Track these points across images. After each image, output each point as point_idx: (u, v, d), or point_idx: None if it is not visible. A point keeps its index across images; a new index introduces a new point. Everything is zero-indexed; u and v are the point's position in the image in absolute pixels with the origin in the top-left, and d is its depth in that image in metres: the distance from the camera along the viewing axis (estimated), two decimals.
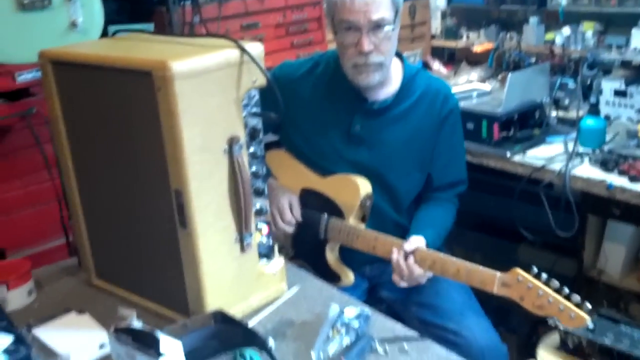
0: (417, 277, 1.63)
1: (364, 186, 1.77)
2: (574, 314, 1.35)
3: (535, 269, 1.44)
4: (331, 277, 1.79)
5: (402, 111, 1.82)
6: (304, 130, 1.86)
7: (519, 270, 1.44)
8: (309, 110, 1.85)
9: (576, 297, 1.37)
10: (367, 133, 1.82)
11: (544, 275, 1.42)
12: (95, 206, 1.50)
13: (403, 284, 1.65)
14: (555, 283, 1.40)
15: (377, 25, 1.68)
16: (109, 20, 2.10)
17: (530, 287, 1.41)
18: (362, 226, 1.77)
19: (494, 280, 1.48)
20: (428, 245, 1.67)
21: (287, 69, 1.91)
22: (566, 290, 1.39)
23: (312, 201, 1.83)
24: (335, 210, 1.79)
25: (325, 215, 1.80)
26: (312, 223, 1.82)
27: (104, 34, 2.09)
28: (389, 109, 1.82)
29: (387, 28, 1.69)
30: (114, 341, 1.11)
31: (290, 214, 1.81)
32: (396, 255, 1.64)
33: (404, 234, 1.77)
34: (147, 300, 1.44)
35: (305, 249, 1.85)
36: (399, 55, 1.85)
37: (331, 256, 1.82)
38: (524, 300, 1.43)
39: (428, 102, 1.84)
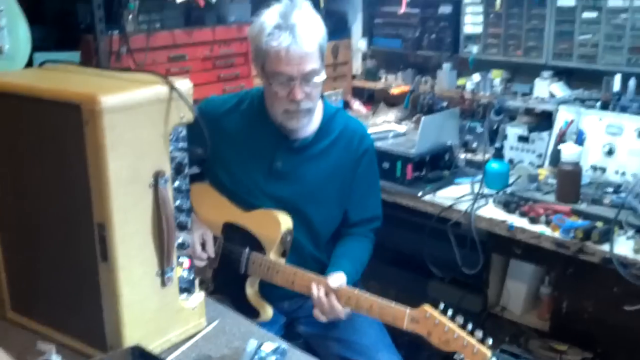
0: (337, 313, 1.70)
1: (285, 221, 1.82)
2: (477, 349, 1.44)
3: (442, 305, 1.52)
4: (250, 311, 1.82)
5: (322, 149, 1.91)
6: (227, 164, 1.91)
7: (427, 307, 1.53)
8: (232, 145, 1.90)
9: (479, 334, 1.46)
10: (288, 169, 1.89)
11: (450, 311, 1.51)
12: (15, 235, 1.47)
13: (323, 319, 1.72)
14: (460, 319, 1.49)
15: (308, 77, 1.76)
16: (35, 47, 2.07)
17: (437, 323, 1.50)
18: (282, 261, 1.81)
19: (404, 316, 1.56)
20: (347, 281, 1.74)
21: (213, 104, 1.96)
22: (470, 326, 1.47)
23: (234, 235, 1.87)
24: (257, 245, 1.83)
25: (247, 250, 1.84)
26: (233, 257, 1.85)
27: (30, 60, 2.07)
28: (309, 147, 1.90)
29: (317, 78, 1.78)
30: None
31: (201, 250, 1.83)
32: (316, 292, 1.70)
33: (322, 269, 1.84)
34: (65, 334, 1.42)
35: (225, 283, 1.88)
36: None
37: (251, 291, 1.85)
38: (432, 336, 1.51)
39: (346, 141, 1.93)
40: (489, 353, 1.44)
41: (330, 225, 1.97)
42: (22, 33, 2.00)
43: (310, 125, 1.90)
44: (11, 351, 1.37)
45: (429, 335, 1.52)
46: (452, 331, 1.47)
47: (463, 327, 1.48)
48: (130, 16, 2.53)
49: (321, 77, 1.80)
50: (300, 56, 1.74)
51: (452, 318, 1.50)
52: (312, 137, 1.90)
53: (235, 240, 1.86)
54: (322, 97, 1.95)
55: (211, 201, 1.94)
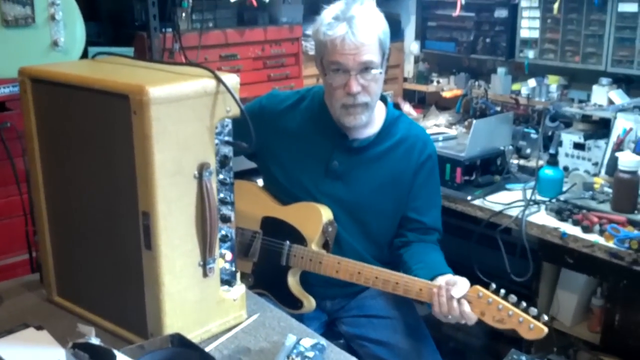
0: (468, 319, 1.57)
1: (326, 212, 1.82)
2: (533, 325, 1.44)
3: (493, 285, 1.51)
4: (293, 303, 1.82)
5: (381, 152, 1.88)
6: (283, 160, 1.91)
7: (479, 287, 1.52)
8: (290, 141, 1.90)
9: (533, 310, 1.44)
10: (344, 169, 1.87)
11: (502, 291, 1.50)
12: (61, 223, 1.51)
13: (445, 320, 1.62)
14: (513, 297, 1.48)
15: (365, 68, 1.75)
16: (90, 42, 2.14)
17: (491, 302, 1.49)
18: (324, 252, 1.80)
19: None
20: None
21: (275, 99, 1.97)
22: (524, 304, 1.47)
23: (273, 229, 1.87)
24: (297, 237, 1.83)
25: (287, 242, 1.83)
26: (273, 251, 1.85)
27: (85, 55, 2.13)
28: (368, 149, 1.88)
29: (375, 71, 1.76)
30: (71, 357, 1.13)
31: None
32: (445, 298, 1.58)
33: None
34: (107, 320, 1.45)
35: (266, 276, 1.88)
36: (382, 98, 1.92)
37: (293, 282, 1.85)
38: (485, 315, 1.49)
39: (407, 146, 1.90)
40: (545, 329, 1.41)
41: (385, 230, 1.92)
42: (77, 28, 2.06)
43: (371, 127, 1.89)
44: (55, 333, 1.42)
45: (482, 315, 1.50)
46: (507, 309, 1.46)
47: (516, 305, 1.47)
48: (184, 14, 2.58)
49: (379, 70, 1.77)
50: (356, 46, 1.73)
51: (505, 297, 1.48)
52: (372, 139, 1.88)
53: (275, 234, 1.86)
54: (384, 100, 1.93)
55: (250, 196, 1.94)
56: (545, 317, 1.43)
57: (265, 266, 1.87)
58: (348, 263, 1.72)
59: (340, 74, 1.76)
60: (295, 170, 1.89)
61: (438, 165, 1.97)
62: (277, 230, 1.86)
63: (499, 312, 1.46)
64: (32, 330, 1.44)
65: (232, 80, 1.35)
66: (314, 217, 1.81)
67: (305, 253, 1.80)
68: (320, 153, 1.88)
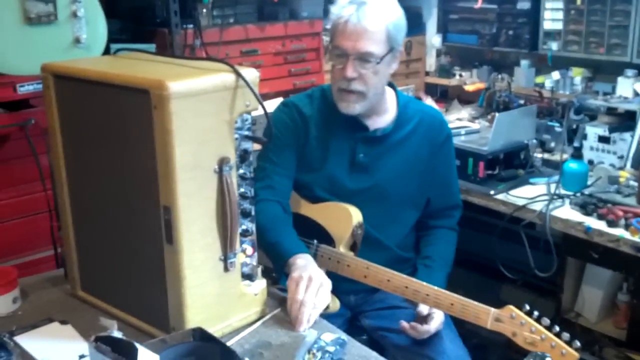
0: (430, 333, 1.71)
1: (356, 214, 1.80)
2: (566, 351, 1.40)
3: (527, 307, 1.49)
4: None
5: (402, 137, 1.89)
6: (308, 160, 1.89)
7: (512, 307, 1.50)
8: (313, 142, 1.89)
9: (566, 335, 1.42)
10: (370, 160, 1.87)
11: (536, 313, 1.48)
12: (85, 219, 1.53)
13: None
14: (547, 321, 1.45)
15: (363, 57, 1.74)
16: (112, 38, 2.16)
17: (524, 324, 1.46)
18: (352, 254, 1.79)
19: (488, 315, 1.53)
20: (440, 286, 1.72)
21: (301, 102, 1.93)
22: (557, 328, 1.44)
23: (301, 227, 1.86)
24: (325, 237, 1.81)
25: (315, 242, 1.82)
26: None
27: (107, 51, 2.15)
28: (390, 136, 1.88)
29: (373, 62, 1.75)
30: (94, 350, 1.14)
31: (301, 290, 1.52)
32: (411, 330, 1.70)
33: (398, 260, 1.85)
34: (129, 314, 1.46)
35: None
36: (391, 85, 1.92)
37: None
38: (516, 336, 1.48)
39: (426, 127, 1.91)
40: (577, 355, 1.40)
41: (413, 215, 1.95)
42: (99, 25, 2.08)
43: (387, 115, 1.89)
44: (78, 327, 1.43)
45: (513, 335, 1.48)
46: (540, 332, 1.44)
47: (548, 329, 1.45)
48: (205, 10, 2.59)
49: (379, 62, 1.75)
50: (358, 32, 1.72)
51: (538, 320, 1.46)
52: (392, 126, 1.88)
53: (303, 232, 1.85)
54: (393, 86, 1.93)
55: None
56: (578, 344, 1.41)
57: None
58: (377, 269, 1.71)
59: (340, 57, 1.76)
60: (321, 168, 1.88)
61: (460, 159, 1.96)
62: (305, 229, 1.84)
63: (532, 334, 1.45)
64: (56, 324, 1.46)
65: (251, 74, 1.35)
66: (344, 219, 1.80)
67: (333, 254, 1.78)
68: (344, 148, 1.88)
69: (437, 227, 1.97)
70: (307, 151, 1.89)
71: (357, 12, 1.72)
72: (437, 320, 1.70)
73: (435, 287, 1.63)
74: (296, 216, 1.88)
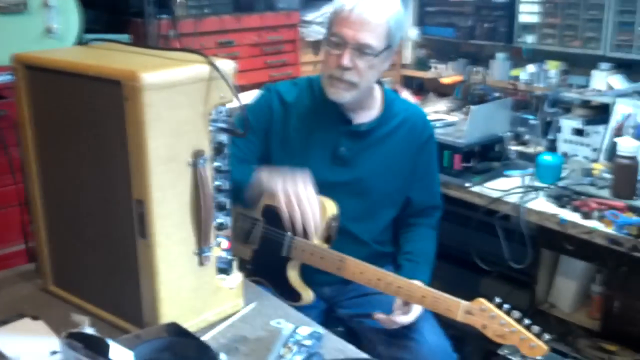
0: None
1: (330, 207, 1.79)
2: (535, 343, 1.41)
3: (497, 299, 1.50)
4: (291, 295, 1.80)
5: (385, 134, 1.90)
6: (287, 150, 1.89)
7: (483, 300, 1.50)
8: (294, 131, 1.89)
9: (535, 328, 1.43)
10: (351, 154, 1.87)
11: (506, 306, 1.48)
12: (57, 212, 1.50)
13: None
14: (516, 313, 1.46)
15: (361, 48, 1.74)
16: (86, 28, 2.12)
17: (494, 317, 1.47)
18: (326, 246, 1.79)
19: (457, 308, 1.53)
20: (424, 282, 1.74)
21: (284, 88, 1.94)
22: (526, 320, 1.45)
23: (275, 218, 1.85)
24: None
25: (289, 234, 1.82)
26: (274, 240, 1.83)
27: (80, 42, 2.11)
28: (373, 131, 1.89)
29: (370, 55, 1.75)
30: (65, 347, 1.12)
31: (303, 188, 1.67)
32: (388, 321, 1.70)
33: (374, 255, 1.85)
34: (103, 309, 1.44)
35: (265, 265, 1.86)
36: (378, 81, 1.92)
37: (293, 274, 1.83)
38: (486, 329, 1.48)
39: (409, 126, 1.92)
40: (546, 348, 1.41)
41: (390, 212, 1.96)
42: (72, 14, 2.05)
43: (372, 110, 1.90)
44: (50, 322, 1.41)
45: (483, 328, 1.49)
46: (509, 325, 1.44)
47: (518, 321, 1.45)
48: (180, 1, 2.55)
49: (376, 56, 1.76)
50: (361, 22, 1.72)
51: (508, 312, 1.47)
52: (376, 122, 1.89)
53: (276, 224, 1.84)
54: (380, 82, 1.94)
55: None
56: (547, 336, 1.42)
57: (265, 255, 1.85)
58: (350, 262, 1.71)
59: (337, 45, 1.76)
60: (300, 159, 1.88)
61: (437, 151, 1.98)
62: (279, 220, 1.84)
63: (501, 327, 1.45)
64: (27, 320, 1.43)
65: (226, 66, 1.33)
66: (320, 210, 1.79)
67: (307, 246, 1.78)
68: (326, 140, 1.88)
69: (417, 225, 1.99)
70: (286, 140, 1.88)
71: (362, 2, 1.72)
72: (416, 311, 1.70)
73: (407, 280, 1.64)
74: (270, 207, 1.87)
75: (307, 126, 1.89)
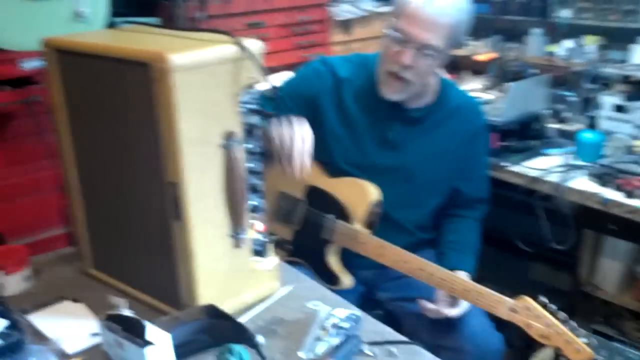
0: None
1: (374, 192, 1.77)
2: (580, 347, 1.37)
3: (543, 299, 1.46)
4: (330, 278, 1.79)
5: (437, 120, 1.85)
6: (334, 129, 1.85)
7: (527, 298, 1.47)
8: (343, 111, 1.85)
9: (582, 332, 1.39)
10: (402, 139, 1.84)
11: (553, 306, 1.44)
12: (94, 196, 1.50)
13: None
14: (563, 315, 1.42)
15: (425, 49, 1.69)
16: (114, 12, 2.12)
17: (539, 317, 1.43)
18: (368, 232, 1.76)
19: (502, 305, 1.50)
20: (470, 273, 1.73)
21: (337, 62, 1.89)
22: (572, 323, 1.41)
23: (318, 200, 1.83)
24: (342, 213, 1.78)
25: (332, 217, 1.79)
26: (316, 222, 1.81)
27: (109, 25, 2.11)
28: (425, 118, 1.85)
29: (431, 56, 1.70)
30: (105, 329, 1.12)
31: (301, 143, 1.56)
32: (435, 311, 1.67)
33: (416, 244, 1.83)
34: (141, 292, 1.45)
35: (306, 246, 1.84)
36: None
37: (333, 258, 1.81)
38: (531, 328, 1.45)
39: (462, 114, 1.88)
40: (592, 353, 1.37)
41: (434, 199, 1.92)
42: None
43: (426, 97, 1.85)
44: (90, 305, 1.43)
45: (527, 327, 1.45)
46: (555, 326, 1.40)
47: (564, 322, 1.42)
48: None
49: (436, 57, 1.71)
50: (429, 22, 1.66)
51: (554, 313, 1.43)
52: (429, 108, 1.85)
53: (319, 205, 1.82)
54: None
55: None
56: (595, 341, 1.38)
57: (306, 236, 1.84)
58: (392, 250, 1.68)
59: (400, 41, 1.70)
60: (349, 139, 1.85)
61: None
62: (322, 202, 1.81)
63: (547, 327, 1.41)
64: (68, 302, 1.45)
65: (254, 45, 1.31)
66: (363, 195, 1.76)
67: (349, 231, 1.75)
68: (377, 123, 1.84)
69: (463, 216, 1.95)
70: (342, 112, 1.84)
71: (432, 1, 1.66)
72: (464, 305, 1.67)
73: (450, 272, 1.61)
74: (314, 189, 1.85)
75: (358, 106, 1.84)
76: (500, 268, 2.48)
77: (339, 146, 1.85)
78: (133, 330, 1.09)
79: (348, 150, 1.84)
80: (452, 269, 1.69)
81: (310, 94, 1.85)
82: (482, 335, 1.71)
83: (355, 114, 1.84)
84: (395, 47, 1.71)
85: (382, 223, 1.79)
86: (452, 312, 1.66)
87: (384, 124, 1.84)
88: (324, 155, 1.83)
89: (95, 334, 1.30)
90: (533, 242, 2.34)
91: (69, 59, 1.40)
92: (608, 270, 2.40)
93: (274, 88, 1.35)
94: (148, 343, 1.07)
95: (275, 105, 1.48)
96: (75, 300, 1.45)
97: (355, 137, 1.85)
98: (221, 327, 1.27)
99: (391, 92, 1.77)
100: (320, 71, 1.86)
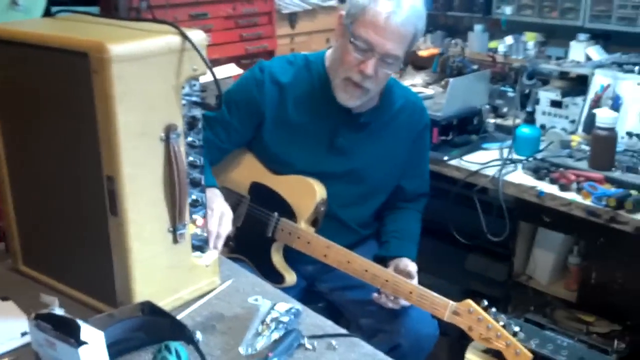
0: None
1: (320, 191, 1.76)
2: (519, 350, 1.42)
3: (485, 302, 1.50)
4: (274, 276, 1.78)
5: (383, 123, 1.85)
6: (280, 133, 1.81)
7: (471, 302, 1.50)
8: (290, 116, 1.80)
9: (521, 334, 1.45)
10: (350, 145, 1.82)
11: (493, 310, 1.48)
12: (25, 190, 1.45)
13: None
14: (504, 318, 1.47)
15: (387, 57, 1.67)
16: (53, 1, 2.04)
17: (481, 320, 1.47)
18: (313, 230, 1.76)
19: (445, 307, 1.54)
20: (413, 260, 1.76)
21: (278, 68, 1.83)
22: (513, 327, 1.46)
23: (262, 197, 1.81)
24: (287, 211, 1.77)
25: (276, 214, 1.78)
26: (259, 219, 1.80)
27: (47, 15, 2.03)
28: (372, 122, 1.84)
29: (392, 64, 1.69)
30: (34, 328, 1.09)
31: (217, 226, 1.54)
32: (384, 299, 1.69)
33: (356, 241, 1.86)
34: (75, 289, 1.40)
35: (248, 244, 1.83)
36: None
37: (277, 256, 1.80)
38: (472, 331, 1.49)
39: (407, 114, 1.89)
40: (530, 356, 1.42)
41: (380, 199, 1.94)
42: None
43: (372, 100, 1.83)
44: (20, 303, 1.37)
45: (469, 330, 1.49)
46: (495, 329, 1.44)
47: (505, 327, 1.46)
48: None
49: (395, 66, 1.72)
50: (393, 33, 1.64)
51: (495, 317, 1.47)
52: (375, 110, 1.84)
53: (263, 203, 1.80)
54: None
55: (239, 160, 1.87)
56: (533, 345, 1.44)
57: (249, 233, 1.82)
58: (338, 250, 1.68)
59: (363, 50, 1.66)
60: (294, 145, 1.81)
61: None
62: (266, 199, 1.80)
63: (488, 331, 1.45)
64: None
65: (198, 36, 1.28)
66: (308, 194, 1.75)
67: (294, 229, 1.74)
68: (323, 128, 1.81)
69: (404, 208, 1.98)
70: (282, 123, 1.80)
71: (397, 11, 1.63)
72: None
73: (394, 274, 1.63)
74: (259, 186, 1.83)
75: (303, 111, 1.80)
76: (438, 259, 2.52)
77: (286, 155, 1.82)
78: (65, 330, 1.06)
79: (297, 159, 1.81)
80: (395, 256, 1.71)
81: (253, 103, 1.79)
82: (418, 321, 1.74)
83: (301, 120, 1.80)
84: (355, 54, 1.68)
85: (326, 221, 1.79)
86: (397, 305, 1.69)
87: (330, 129, 1.81)
88: (273, 164, 1.83)
89: (25, 334, 1.26)
90: (470, 233, 2.39)
91: (2, 48, 1.34)
92: (541, 260, 2.47)
93: (218, 95, 1.32)
94: (82, 342, 1.04)
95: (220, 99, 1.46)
96: (4, 298, 1.40)
97: (302, 144, 1.81)
98: (158, 324, 1.25)
99: (347, 99, 1.75)
100: (260, 80, 1.79)
